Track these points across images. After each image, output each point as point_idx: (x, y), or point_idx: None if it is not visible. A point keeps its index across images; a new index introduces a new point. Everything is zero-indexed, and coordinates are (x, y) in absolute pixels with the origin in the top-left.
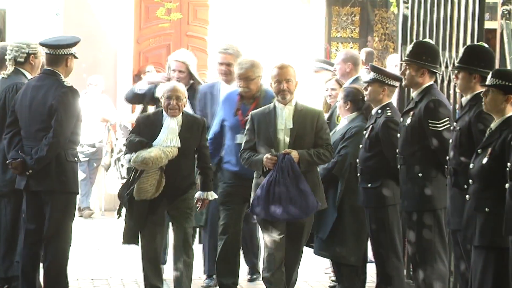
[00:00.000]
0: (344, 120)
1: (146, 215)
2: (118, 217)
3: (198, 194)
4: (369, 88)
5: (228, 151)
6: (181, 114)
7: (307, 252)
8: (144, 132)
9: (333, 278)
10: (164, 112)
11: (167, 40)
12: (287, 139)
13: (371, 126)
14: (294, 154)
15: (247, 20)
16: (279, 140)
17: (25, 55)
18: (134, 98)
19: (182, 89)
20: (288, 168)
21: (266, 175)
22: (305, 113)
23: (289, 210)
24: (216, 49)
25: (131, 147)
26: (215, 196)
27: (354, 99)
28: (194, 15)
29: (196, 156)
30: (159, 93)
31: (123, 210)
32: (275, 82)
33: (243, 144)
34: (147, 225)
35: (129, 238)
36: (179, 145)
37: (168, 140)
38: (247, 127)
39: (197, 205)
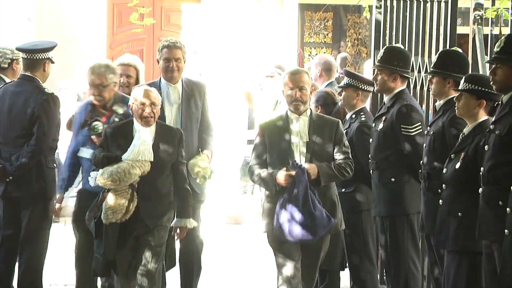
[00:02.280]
0: None
1: (117, 241)
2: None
3: (174, 222)
4: (343, 93)
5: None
6: (155, 123)
7: None
8: (113, 145)
9: None
10: (135, 122)
11: (140, 45)
12: (303, 155)
13: (345, 131)
14: (312, 169)
15: (220, 25)
16: (293, 155)
17: (9, 60)
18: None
19: (157, 94)
20: (304, 184)
21: (280, 193)
22: (322, 124)
23: (311, 229)
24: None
25: (97, 163)
26: (194, 223)
27: (325, 103)
28: (167, 20)
29: (173, 175)
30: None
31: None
32: (288, 89)
33: (252, 159)
34: (120, 253)
35: (100, 269)
36: (152, 159)
37: (139, 153)
38: (255, 140)
39: (175, 235)
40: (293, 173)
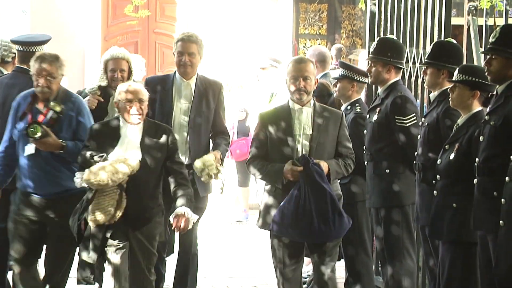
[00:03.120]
0: None
1: (103, 245)
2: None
3: (176, 211)
4: (338, 85)
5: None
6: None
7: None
8: (99, 144)
9: (303, 274)
10: (121, 119)
11: (135, 37)
12: (306, 148)
13: None
14: (323, 164)
15: (215, 17)
16: (297, 149)
17: (13, 55)
18: None
19: (144, 90)
20: (318, 179)
21: (285, 189)
22: (326, 116)
23: (323, 229)
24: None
25: (83, 163)
26: (196, 217)
27: (320, 95)
28: (162, 12)
29: (167, 173)
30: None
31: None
32: (291, 78)
33: (251, 151)
34: (106, 257)
35: (85, 275)
36: (140, 158)
37: (127, 152)
38: (255, 131)
39: (174, 226)
40: (301, 168)
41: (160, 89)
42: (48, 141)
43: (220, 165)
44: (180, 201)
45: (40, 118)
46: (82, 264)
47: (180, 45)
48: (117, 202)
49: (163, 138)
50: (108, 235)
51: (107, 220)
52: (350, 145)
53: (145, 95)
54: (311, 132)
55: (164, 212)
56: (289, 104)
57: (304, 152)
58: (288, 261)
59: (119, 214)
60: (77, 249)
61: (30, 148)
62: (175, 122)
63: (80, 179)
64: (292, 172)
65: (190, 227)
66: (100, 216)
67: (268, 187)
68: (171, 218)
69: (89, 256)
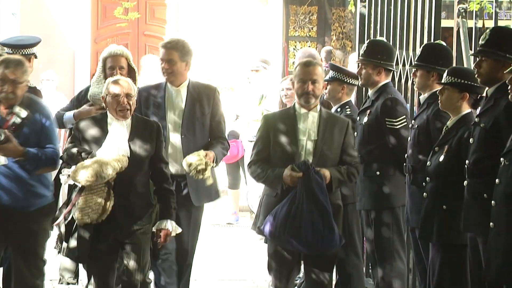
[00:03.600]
0: None
1: (91, 245)
2: (58, 252)
3: (157, 225)
4: (328, 87)
5: None
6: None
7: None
8: (86, 140)
9: (300, 275)
10: (109, 115)
11: (124, 39)
12: (310, 154)
13: None
14: (325, 173)
15: (205, 19)
16: (300, 154)
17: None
18: (61, 126)
19: (132, 85)
20: (315, 188)
21: (285, 194)
22: (332, 122)
23: (310, 240)
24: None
25: (70, 159)
26: (179, 229)
27: None
28: (151, 15)
29: (152, 173)
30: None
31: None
32: (298, 81)
33: (253, 154)
34: (93, 258)
35: (69, 275)
36: (129, 154)
37: (115, 148)
38: (258, 133)
39: (156, 238)
40: (300, 174)
41: (153, 98)
42: (8, 147)
43: (211, 162)
44: (163, 211)
45: (3, 123)
46: (66, 265)
47: (160, 51)
48: (105, 200)
49: (151, 134)
50: (96, 234)
51: (95, 219)
52: (356, 153)
53: (133, 90)
54: (315, 138)
55: (155, 208)
56: (295, 107)
57: (307, 158)
58: (282, 269)
59: (107, 212)
60: (62, 248)
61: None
62: (168, 130)
63: (66, 176)
64: (291, 177)
65: (169, 241)
66: (87, 215)
67: (268, 190)
68: (154, 228)
69: (75, 257)
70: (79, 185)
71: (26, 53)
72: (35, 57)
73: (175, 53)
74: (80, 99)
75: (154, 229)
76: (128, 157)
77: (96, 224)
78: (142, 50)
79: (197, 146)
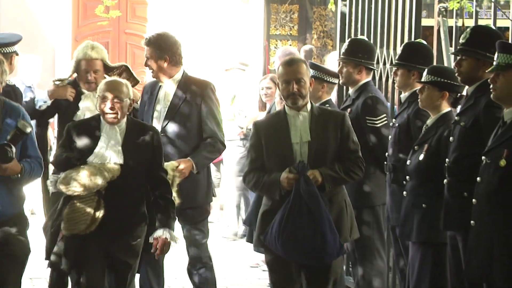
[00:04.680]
0: None
1: (79, 256)
2: (48, 266)
3: (156, 234)
4: None
5: None
6: (124, 120)
7: (245, 248)
8: (77, 145)
9: None
10: (101, 118)
11: (105, 38)
12: (305, 156)
13: None
14: (316, 175)
15: (186, 17)
16: (294, 158)
17: None
18: (34, 114)
19: (124, 86)
20: (304, 195)
21: (282, 202)
22: (325, 119)
23: (302, 249)
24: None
25: (58, 165)
26: (177, 239)
27: None
28: (132, 13)
29: (149, 181)
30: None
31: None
32: (283, 82)
33: (247, 164)
34: (81, 270)
35: (57, 286)
36: (122, 162)
37: (107, 155)
38: (250, 142)
39: (154, 248)
40: (296, 175)
41: (149, 94)
42: (12, 165)
43: (179, 177)
44: (162, 219)
45: None
46: (54, 273)
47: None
48: (94, 210)
49: (148, 140)
50: (85, 246)
51: (83, 229)
52: (357, 148)
53: (123, 92)
54: (309, 139)
55: (148, 221)
56: (285, 109)
57: (304, 160)
58: (281, 280)
59: (96, 223)
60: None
61: None
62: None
63: (54, 183)
64: (288, 180)
65: (166, 251)
66: (74, 225)
67: (266, 200)
68: (151, 238)
69: (63, 268)
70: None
71: (7, 51)
72: (17, 54)
73: (148, 49)
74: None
75: (151, 239)
76: (121, 165)
77: (85, 235)
78: (123, 48)
79: (177, 143)
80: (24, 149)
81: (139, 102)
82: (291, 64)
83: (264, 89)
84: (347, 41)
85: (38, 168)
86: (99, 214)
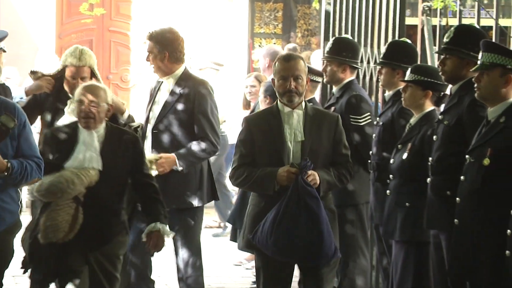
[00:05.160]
0: None
1: (57, 265)
2: (24, 272)
3: (147, 229)
4: None
5: None
6: (103, 125)
7: (228, 247)
8: (55, 150)
9: None
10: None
11: (89, 35)
12: (297, 156)
13: None
14: (316, 177)
15: (170, 15)
16: (288, 157)
17: None
18: None
19: (101, 90)
20: (304, 192)
21: (273, 201)
22: (320, 120)
23: (295, 247)
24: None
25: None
26: (171, 233)
27: (273, 93)
28: (116, 10)
29: (134, 187)
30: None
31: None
32: (279, 78)
33: (236, 159)
34: (60, 278)
35: None
36: (100, 168)
37: (85, 160)
38: (240, 137)
39: (147, 245)
40: (294, 170)
41: (153, 91)
42: None
43: (158, 168)
44: (153, 218)
45: None
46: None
47: None
48: (72, 218)
49: (128, 147)
50: (64, 255)
51: (61, 237)
52: (348, 152)
53: (101, 97)
54: (302, 138)
55: (129, 230)
56: (278, 106)
57: (295, 162)
58: (271, 284)
59: (75, 231)
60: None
61: None
62: (147, 126)
63: (30, 190)
64: (288, 174)
65: (164, 245)
66: (52, 233)
67: (254, 200)
68: (144, 236)
69: (42, 279)
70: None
71: None
72: (4, 51)
73: (150, 44)
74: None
75: (143, 236)
76: (99, 170)
77: (64, 244)
78: (107, 46)
79: (170, 144)
80: (19, 148)
81: (125, 115)
82: (288, 60)
83: (249, 88)
84: (331, 39)
85: (34, 168)
86: (78, 221)
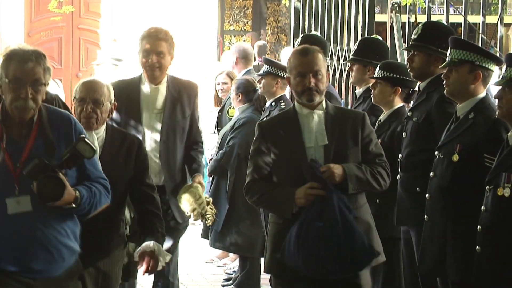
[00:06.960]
0: (237, 111)
1: None
2: None
3: (141, 247)
4: (262, 81)
5: None
6: (104, 127)
7: (200, 244)
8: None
9: (228, 271)
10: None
11: (58, 33)
12: (322, 162)
13: (264, 118)
14: (332, 170)
15: (140, 13)
16: None
17: None
18: None
19: (106, 89)
20: (329, 199)
21: (294, 218)
22: (343, 119)
23: (326, 261)
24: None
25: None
26: (168, 256)
27: (245, 91)
28: (86, 8)
29: (132, 197)
30: None
31: None
32: (296, 75)
33: (250, 173)
34: None
35: None
36: None
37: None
38: (254, 146)
39: (139, 266)
40: (321, 192)
41: (125, 96)
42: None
43: (207, 198)
44: (149, 236)
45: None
46: None
47: (146, 43)
48: None
49: (130, 152)
50: None
51: None
52: (381, 151)
53: (103, 95)
54: (325, 142)
55: (127, 244)
56: (295, 108)
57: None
58: None
59: None
60: None
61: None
62: (144, 136)
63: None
64: (306, 195)
65: (159, 268)
66: None
67: (274, 217)
68: (136, 255)
69: None
70: None
71: None
72: None
73: (164, 44)
74: None
75: (136, 255)
76: None
77: None
78: (76, 43)
79: (177, 156)
80: (82, 168)
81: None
82: (306, 54)
83: (220, 84)
84: (300, 36)
85: (103, 193)
86: None
